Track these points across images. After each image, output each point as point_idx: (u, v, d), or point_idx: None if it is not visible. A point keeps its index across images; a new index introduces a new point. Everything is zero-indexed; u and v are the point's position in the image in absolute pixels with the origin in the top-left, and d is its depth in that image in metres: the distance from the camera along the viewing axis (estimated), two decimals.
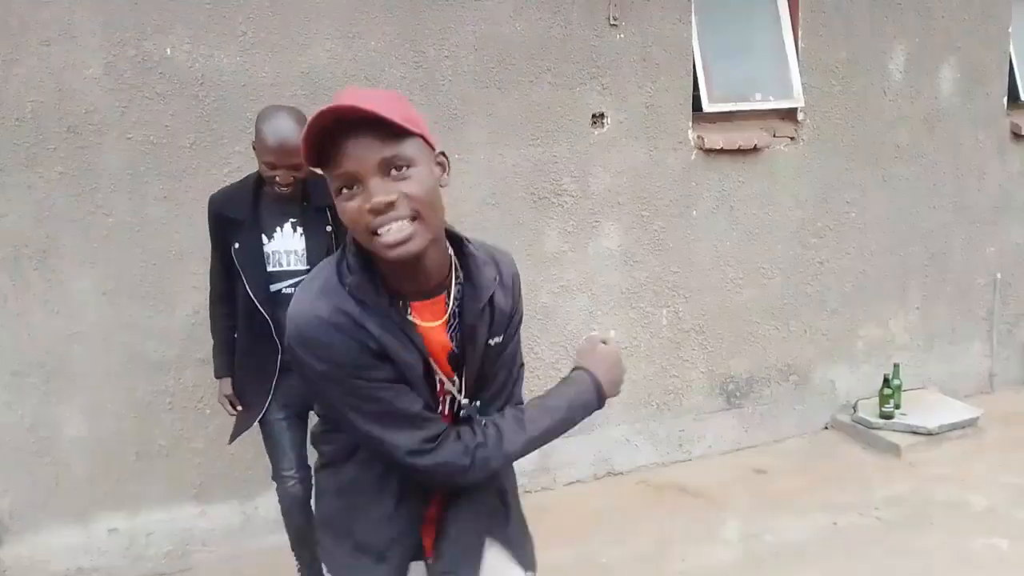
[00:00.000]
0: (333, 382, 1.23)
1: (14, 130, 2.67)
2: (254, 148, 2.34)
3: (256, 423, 2.52)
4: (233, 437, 2.59)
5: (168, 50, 2.79)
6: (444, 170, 1.27)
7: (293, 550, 2.69)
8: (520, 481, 2.36)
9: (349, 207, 1.17)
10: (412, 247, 1.17)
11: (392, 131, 1.14)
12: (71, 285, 2.80)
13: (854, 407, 4.11)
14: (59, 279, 2.79)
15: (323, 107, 1.11)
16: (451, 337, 1.32)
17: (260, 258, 2.39)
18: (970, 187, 4.31)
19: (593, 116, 3.43)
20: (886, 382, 3.95)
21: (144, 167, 2.82)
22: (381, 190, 1.14)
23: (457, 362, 1.34)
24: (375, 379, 1.23)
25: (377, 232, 1.16)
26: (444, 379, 1.33)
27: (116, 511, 2.95)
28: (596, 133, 3.45)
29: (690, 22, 3.55)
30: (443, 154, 1.27)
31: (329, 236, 2.44)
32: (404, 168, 1.16)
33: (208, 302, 2.57)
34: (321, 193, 2.43)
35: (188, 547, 3.04)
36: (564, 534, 3.18)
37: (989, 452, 3.84)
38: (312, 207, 2.43)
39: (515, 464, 1.56)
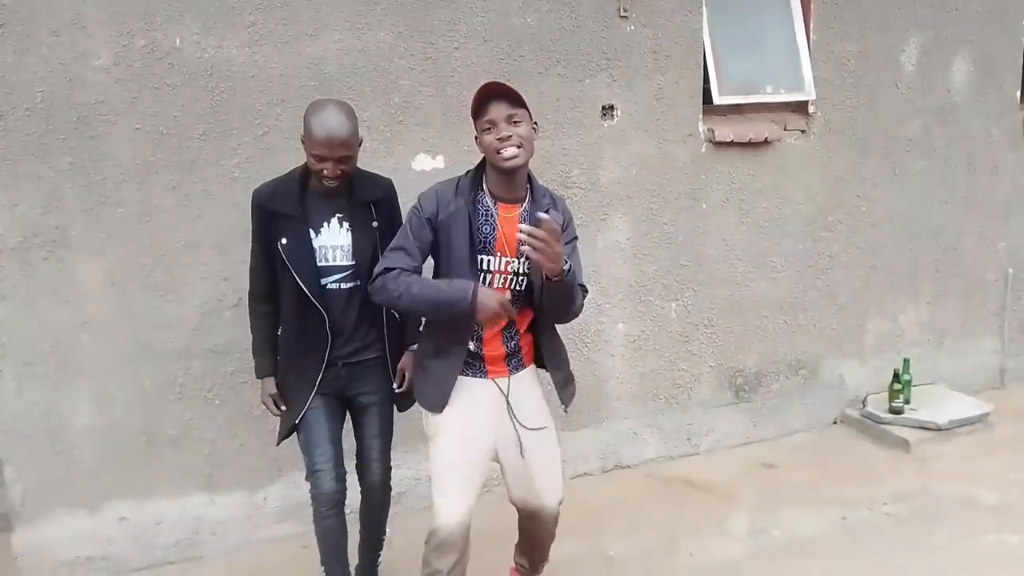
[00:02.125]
0: (409, 216, 2.19)
1: (24, 120, 2.68)
2: (302, 141, 2.29)
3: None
4: (282, 437, 2.50)
5: (177, 40, 2.79)
6: (535, 130, 2.16)
7: (323, 564, 2.53)
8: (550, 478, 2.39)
9: (488, 138, 2.08)
10: (517, 161, 2.08)
11: (515, 103, 2.08)
12: (81, 275, 2.81)
13: (863, 402, 4.09)
14: (69, 269, 2.80)
15: (487, 82, 2.10)
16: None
17: (311, 252, 2.33)
18: (982, 181, 4.28)
19: (603, 108, 3.42)
20: (896, 377, 3.93)
21: (153, 157, 2.82)
22: (506, 129, 2.06)
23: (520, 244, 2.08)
24: (413, 229, 2.16)
25: (499, 151, 2.06)
26: (506, 257, 2.16)
27: (126, 500, 2.96)
28: (605, 125, 3.44)
29: (701, 14, 3.53)
30: (535, 122, 2.17)
31: (375, 232, 2.40)
32: (517, 121, 2.08)
33: (248, 299, 2.50)
34: (367, 188, 2.41)
35: (197, 536, 3.05)
36: (572, 527, 3.17)
37: (999, 448, 3.82)
38: (358, 202, 2.38)
39: None
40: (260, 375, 2.51)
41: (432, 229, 2.14)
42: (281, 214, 2.33)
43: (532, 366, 2.36)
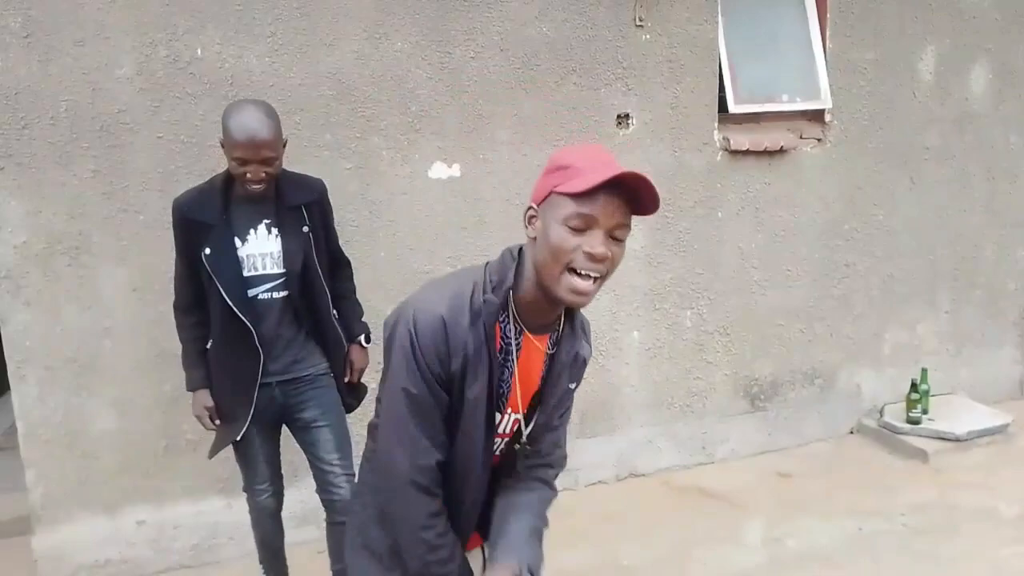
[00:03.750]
0: (406, 372, 1.33)
1: (49, 129, 2.73)
2: (222, 146, 2.19)
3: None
4: (214, 452, 2.44)
5: (199, 50, 2.83)
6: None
7: (261, 562, 2.66)
8: None
9: (572, 240, 1.27)
10: (586, 300, 1.31)
11: (637, 214, 1.31)
12: (102, 281, 2.85)
13: (880, 412, 4.06)
14: (91, 275, 2.84)
15: (628, 170, 1.24)
16: (544, 374, 1.45)
17: (235, 263, 2.22)
18: (1001, 190, 4.25)
19: (618, 117, 3.43)
20: (914, 387, 3.90)
21: (174, 166, 2.86)
22: (603, 245, 1.27)
23: (534, 402, 1.46)
24: (434, 392, 1.35)
25: (577, 272, 1.28)
26: (515, 415, 1.44)
27: (144, 503, 2.99)
28: (621, 134, 3.44)
29: (716, 22, 3.53)
30: None
31: (307, 236, 2.29)
32: (621, 241, 1.31)
33: (174, 311, 2.42)
34: (296, 191, 2.29)
35: (214, 540, 3.08)
36: (586, 535, 3.18)
37: (1019, 459, 3.77)
38: (287, 206, 2.27)
39: None
40: (192, 387, 2.41)
41: (445, 384, 1.36)
42: (203, 223, 2.21)
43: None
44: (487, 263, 1.42)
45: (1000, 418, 3.98)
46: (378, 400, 1.48)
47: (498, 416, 1.43)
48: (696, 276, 3.68)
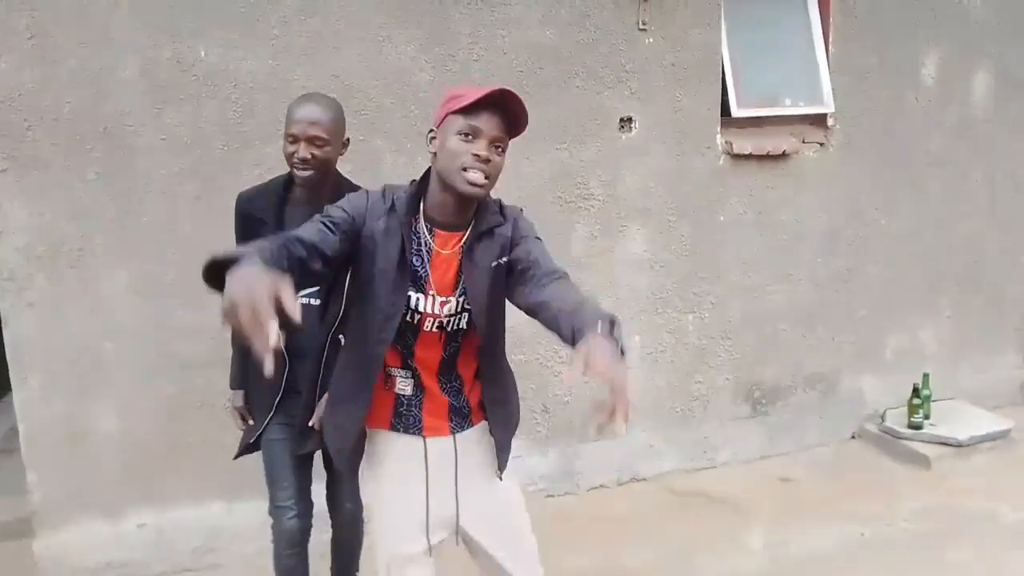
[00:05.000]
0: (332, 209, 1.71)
1: (52, 131, 2.73)
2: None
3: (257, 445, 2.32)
4: (238, 454, 2.38)
5: (202, 52, 2.83)
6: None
7: None
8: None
9: (461, 146, 1.64)
10: (479, 191, 1.66)
11: (515, 130, 1.69)
12: (105, 284, 2.85)
13: (882, 417, 4.06)
14: (94, 278, 2.84)
15: (504, 87, 1.63)
16: (460, 266, 1.74)
17: None
18: (1003, 195, 4.25)
19: (621, 120, 3.43)
20: (915, 392, 3.90)
21: (177, 168, 2.86)
22: (485, 150, 1.64)
23: (463, 288, 1.74)
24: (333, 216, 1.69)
25: (466, 169, 1.63)
26: (440, 297, 1.74)
27: (145, 507, 2.99)
28: (624, 137, 3.45)
29: (719, 26, 3.54)
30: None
31: None
32: (501, 151, 1.68)
33: None
34: None
35: (215, 544, 3.07)
36: (587, 540, 3.18)
37: (1021, 464, 3.77)
38: None
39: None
40: (232, 386, 2.42)
41: (348, 235, 1.68)
42: (258, 219, 2.22)
43: (483, 423, 1.88)
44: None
45: (1002, 423, 3.97)
46: None
47: (418, 295, 1.73)
48: (698, 280, 3.68)
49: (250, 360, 2.29)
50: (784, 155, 3.71)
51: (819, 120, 3.81)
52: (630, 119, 3.44)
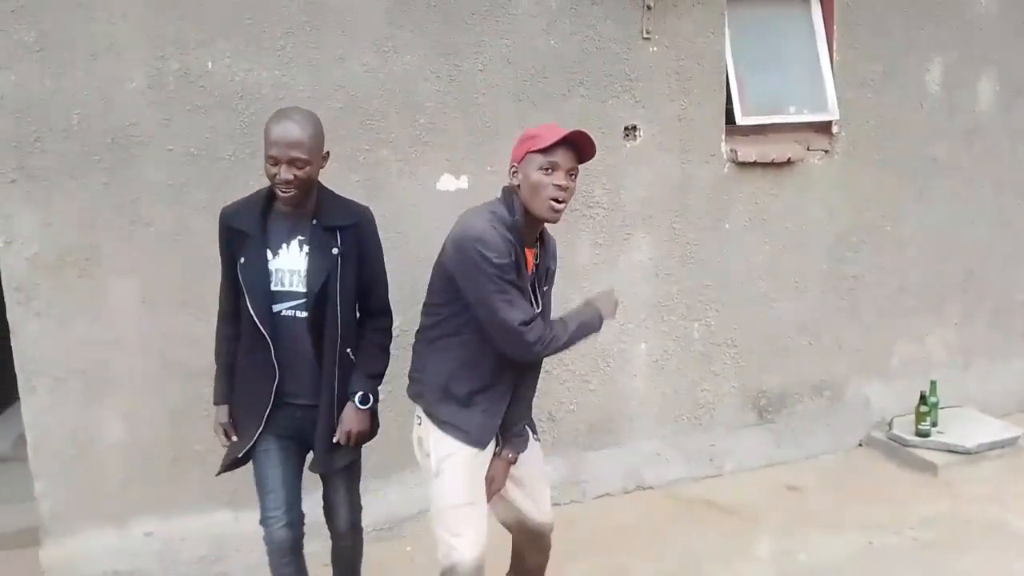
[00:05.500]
0: (485, 276, 2.00)
1: (60, 141, 2.75)
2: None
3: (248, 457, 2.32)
4: (222, 469, 2.35)
5: (209, 64, 2.85)
6: None
7: None
8: (549, 494, 2.40)
9: (544, 179, 2.02)
10: (558, 216, 2.06)
11: (582, 159, 2.08)
12: (112, 293, 2.87)
13: (889, 424, 4.04)
14: (101, 287, 2.85)
15: (576, 129, 2.03)
16: (533, 272, 2.16)
17: (265, 274, 2.20)
18: (1009, 202, 4.24)
19: (625, 129, 3.44)
20: (922, 399, 3.88)
21: (184, 178, 2.88)
22: (564, 180, 2.03)
23: (533, 291, 2.17)
24: (510, 279, 2.03)
25: (552, 199, 2.02)
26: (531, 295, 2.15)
27: (152, 515, 3.00)
28: (628, 146, 3.45)
29: (723, 35, 3.55)
30: None
31: (335, 259, 2.23)
32: (574, 177, 2.08)
33: (217, 320, 2.40)
34: (335, 213, 2.27)
35: (222, 552, 3.07)
36: (593, 548, 3.17)
37: None
38: (322, 226, 2.23)
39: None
40: (215, 402, 2.39)
41: (515, 268, 2.06)
42: (242, 232, 2.22)
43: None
44: (496, 199, 2.13)
45: (1010, 431, 3.95)
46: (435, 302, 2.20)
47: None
48: (704, 288, 3.68)
49: (237, 375, 2.34)
50: (789, 163, 3.71)
51: (824, 127, 3.81)
52: (634, 127, 3.45)
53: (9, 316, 2.79)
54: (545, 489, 2.40)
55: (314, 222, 2.24)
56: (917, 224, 4.05)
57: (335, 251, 2.23)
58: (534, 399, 2.40)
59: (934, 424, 3.90)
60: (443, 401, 2.16)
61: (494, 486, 2.25)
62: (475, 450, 2.16)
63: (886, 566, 3.04)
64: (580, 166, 2.09)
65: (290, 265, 2.23)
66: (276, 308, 2.22)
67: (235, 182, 2.91)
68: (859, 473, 3.83)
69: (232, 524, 3.07)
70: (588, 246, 3.45)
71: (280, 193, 2.16)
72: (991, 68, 4.07)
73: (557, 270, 2.32)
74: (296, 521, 2.32)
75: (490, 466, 2.23)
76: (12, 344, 2.81)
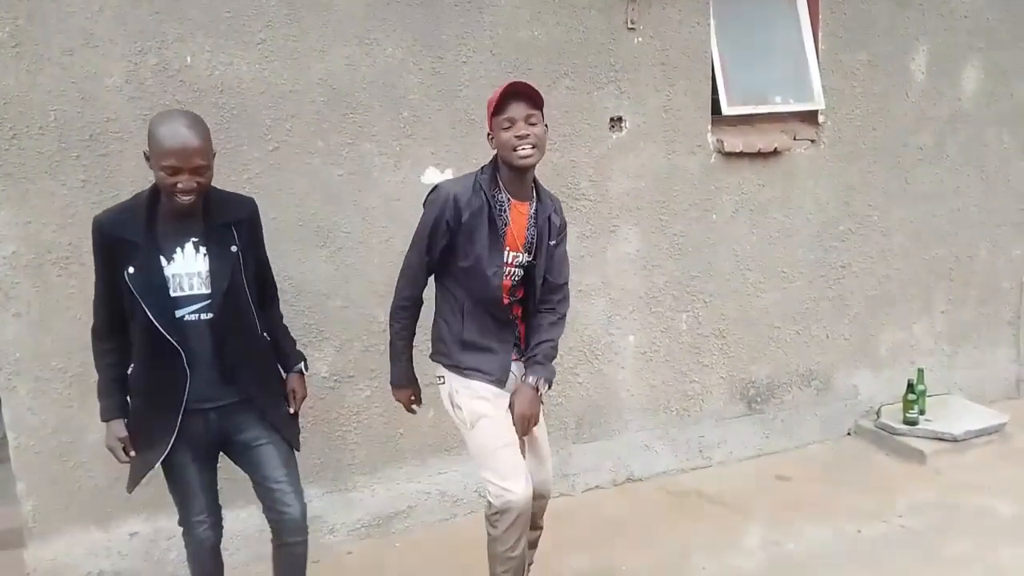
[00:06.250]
0: (421, 222, 2.32)
1: (38, 138, 2.71)
2: (147, 158, 2.09)
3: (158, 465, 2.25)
4: (133, 484, 2.28)
5: (188, 58, 2.81)
6: (546, 129, 2.28)
7: None
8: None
9: (505, 135, 2.19)
10: (532, 160, 2.21)
11: (535, 103, 2.20)
12: (93, 292, 2.82)
13: (877, 413, 4.06)
14: (81, 286, 2.81)
15: (513, 80, 2.22)
16: (528, 228, 2.32)
17: (162, 282, 2.12)
18: (995, 190, 4.25)
19: (611, 120, 3.42)
20: (910, 387, 3.90)
21: None
22: (524, 128, 2.18)
23: (529, 245, 2.33)
24: (435, 240, 2.29)
25: (516, 148, 2.18)
26: (514, 251, 2.31)
27: (136, 515, 2.97)
28: (614, 137, 3.44)
29: (708, 25, 3.53)
30: (546, 124, 2.29)
31: (236, 256, 2.18)
32: (535, 123, 2.20)
33: (91, 336, 2.28)
34: (226, 208, 2.22)
35: None
36: (582, 541, 3.17)
37: (1017, 459, 3.77)
38: (216, 224, 2.18)
39: None
40: (106, 417, 2.27)
41: (451, 233, 2.25)
42: (127, 241, 2.11)
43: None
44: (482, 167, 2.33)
45: (997, 418, 3.98)
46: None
47: (505, 251, 2.28)
48: (691, 279, 3.67)
49: (134, 388, 2.26)
50: (775, 152, 3.71)
51: (810, 117, 3.81)
52: (620, 118, 3.43)
53: None
54: (548, 457, 2.54)
55: (207, 221, 2.18)
56: (903, 212, 4.05)
57: (234, 248, 2.19)
58: (556, 344, 2.46)
59: (922, 412, 3.92)
60: (464, 351, 2.35)
61: (530, 422, 2.37)
62: (498, 390, 2.35)
63: (875, 554, 3.05)
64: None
65: (188, 268, 2.16)
66: (178, 314, 2.15)
67: (216, 177, 2.85)
68: (848, 462, 3.84)
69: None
70: (575, 238, 3.42)
71: (180, 200, 2.07)
72: (976, 56, 4.07)
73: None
74: (218, 523, 2.38)
75: (518, 400, 2.35)
76: None
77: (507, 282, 2.32)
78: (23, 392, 2.80)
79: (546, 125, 2.26)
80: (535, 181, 2.34)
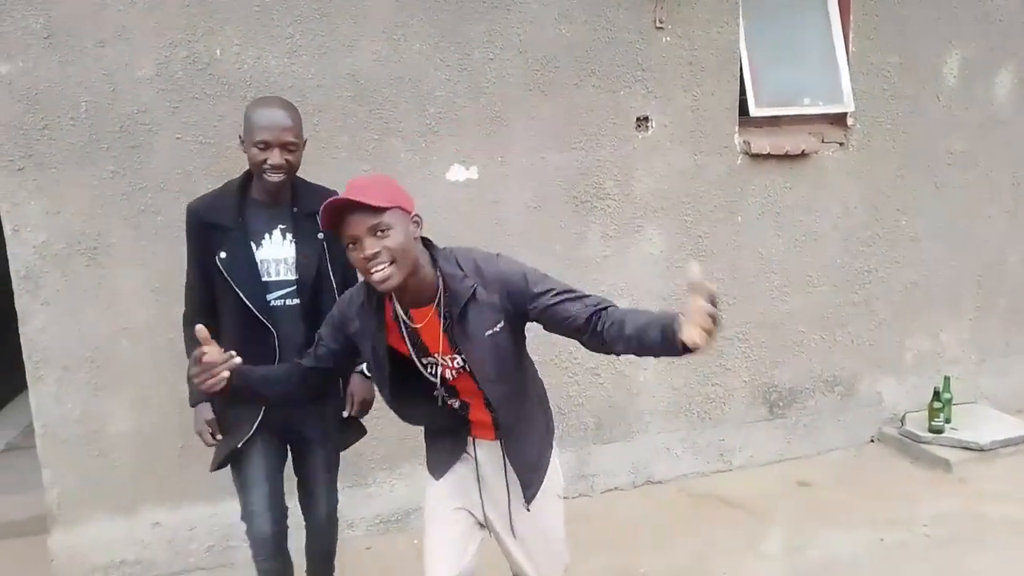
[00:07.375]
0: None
1: (69, 129, 2.74)
2: (241, 141, 2.17)
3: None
4: (218, 464, 2.30)
5: (218, 52, 2.83)
6: (418, 226, 1.77)
7: None
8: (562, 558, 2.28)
9: (354, 256, 1.69)
10: (392, 282, 1.68)
11: (375, 210, 1.65)
12: (120, 282, 2.86)
13: (902, 420, 4.00)
14: (109, 276, 2.84)
15: (336, 196, 1.66)
16: (445, 328, 1.81)
17: (253, 267, 2.16)
18: None
19: (637, 119, 3.40)
20: (936, 395, 3.84)
21: (192, 167, 2.86)
22: (370, 246, 1.65)
23: (456, 345, 1.82)
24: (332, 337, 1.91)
25: (370, 272, 1.67)
26: (436, 357, 1.85)
27: (160, 505, 3.00)
28: (640, 137, 3.42)
29: (737, 25, 3.50)
30: (417, 215, 1.77)
31: (321, 244, 2.22)
32: (384, 231, 1.66)
33: (183, 321, 2.31)
34: (311, 198, 2.22)
35: (229, 542, 3.07)
36: (602, 543, 3.15)
37: None
38: (303, 212, 2.21)
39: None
40: (194, 402, 2.31)
41: (349, 340, 1.89)
42: (219, 226, 2.16)
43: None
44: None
45: None
46: None
47: (425, 359, 1.86)
48: (715, 281, 3.63)
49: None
50: (803, 155, 3.67)
51: (839, 119, 3.76)
52: (646, 118, 3.41)
53: (17, 304, 2.79)
54: (550, 553, 2.09)
55: (295, 210, 2.22)
56: (932, 218, 3.99)
57: (320, 236, 2.22)
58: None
59: (947, 420, 3.86)
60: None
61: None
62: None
63: (897, 563, 3.01)
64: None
65: (276, 255, 2.20)
66: (268, 298, 2.19)
67: (243, 170, 2.89)
68: (871, 469, 3.79)
69: (240, 514, 3.06)
70: (598, 238, 3.41)
71: (269, 178, 2.13)
72: (1010, 61, 4.00)
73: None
74: (281, 516, 2.31)
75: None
76: (20, 333, 2.80)
77: (464, 373, 1.86)
78: (50, 381, 2.83)
79: (416, 217, 1.75)
80: (439, 268, 1.78)
